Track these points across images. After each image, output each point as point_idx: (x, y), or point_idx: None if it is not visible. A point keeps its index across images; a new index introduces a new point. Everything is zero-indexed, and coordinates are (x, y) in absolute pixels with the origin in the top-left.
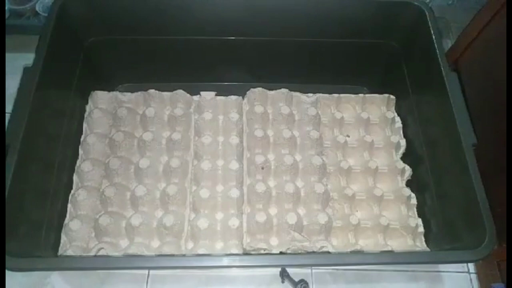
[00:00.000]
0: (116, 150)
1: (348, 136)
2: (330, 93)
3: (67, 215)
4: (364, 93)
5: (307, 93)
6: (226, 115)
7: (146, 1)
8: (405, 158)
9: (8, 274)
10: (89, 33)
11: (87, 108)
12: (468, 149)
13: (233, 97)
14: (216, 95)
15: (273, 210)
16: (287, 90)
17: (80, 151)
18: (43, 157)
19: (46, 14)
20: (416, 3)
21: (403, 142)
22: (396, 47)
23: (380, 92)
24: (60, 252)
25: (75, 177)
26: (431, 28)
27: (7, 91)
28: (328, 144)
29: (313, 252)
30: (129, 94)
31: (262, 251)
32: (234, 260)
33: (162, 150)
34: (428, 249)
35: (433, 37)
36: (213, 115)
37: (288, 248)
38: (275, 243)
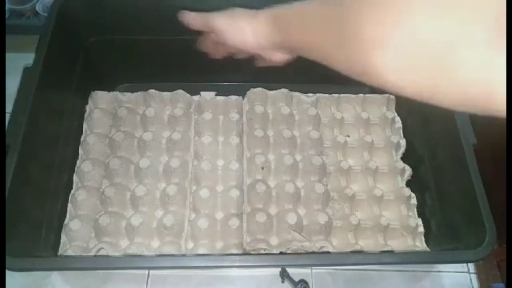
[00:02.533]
0: (116, 150)
1: (348, 136)
2: (330, 93)
3: (67, 215)
4: (364, 93)
5: (307, 93)
6: (226, 115)
7: (146, 1)
8: (405, 158)
9: (8, 274)
10: (89, 33)
11: (87, 108)
12: (468, 149)
13: (233, 97)
14: (216, 95)
15: (273, 210)
16: (287, 90)
17: (80, 151)
18: (43, 157)
19: (46, 14)
20: None
21: (403, 142)
22: None
23: (380, 92)
24: (60, 252)
25: (75, 177)
26: None
27: (7, 91)
28: (328, 144)
29: (313, 252)
30: (129, 94)
31: (262, 251)
32: (234, 260)
33: (162, 150)
34: (428, 249)
35: None
36: (213, 115)
37: (288, 248)
38: (275, 243)
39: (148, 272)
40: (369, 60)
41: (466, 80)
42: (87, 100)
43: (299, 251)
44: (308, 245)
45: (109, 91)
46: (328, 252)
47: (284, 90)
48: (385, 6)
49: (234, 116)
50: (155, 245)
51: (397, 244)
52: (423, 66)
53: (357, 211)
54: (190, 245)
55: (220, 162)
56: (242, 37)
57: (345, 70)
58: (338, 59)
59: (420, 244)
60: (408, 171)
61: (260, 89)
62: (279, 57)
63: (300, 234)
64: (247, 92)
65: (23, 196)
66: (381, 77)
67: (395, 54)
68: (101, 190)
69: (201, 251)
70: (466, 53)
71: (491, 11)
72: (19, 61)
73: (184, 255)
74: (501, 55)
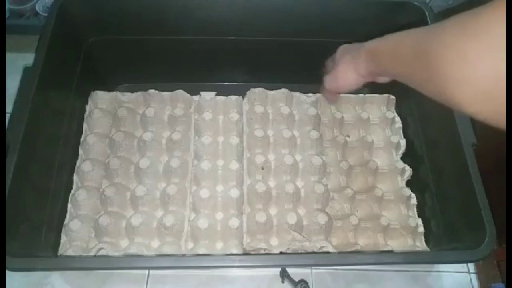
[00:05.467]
0: (116, 150)
1: (348, 136)
2: None
3: (67, 215)
4: (364, 93)
5: (307, 93)
6: (226, 115)
7: (146, 1)
8: (405, 158)
9: (8, 274)
10: (89, 33)
11: (87, 108)
12: (468, 149)
13: (233, 97)
14: (216, 95)
15: (273, 210)
16: (287, 90)
17: (80, 151)
18: (43, 157)
19: (46, 14)
20: (416, 3)
21: (403, 142)
22: None
23: (380, 92)
24: (60, 252)
25: (75, 177)
26: None
27: (7, 91)
28: (328, 144)
29: (313, 252)
30: (129, 94)
31: (262, 251)
32: (234, 260)
33: (162, 150)
34: (428, 249)
35: None
36: (213, 115)
37: (288, 248)
38: (275, 243)
39: (148, 272)
40: (451, 95)
41: None
42: (87, 100)
43: (299, 251)
44: (308, 245)
45: (109, 91)
46: (328, 252)
47: (284, 90)
48: (468, 41)
49: (234, 116)
50: (155, 245)
51: (397, 244)
52: (499, 98)
53: (357, 211)
54: (190, 245)
55: (220, 162)
56: (347, 80)
57: (432, 97)
58: (426, 89)
59: (420, 244)
60: (408, 171)
61: (260, 89)
62: (381, 79)
63: (300, 234)
64: (247, 92)
65: (23, 196)
66: (462, 108)
67: (475, 92)
68: (101, 190)
69: (201, 251)
70: None
71: None
72: (19, 61)
73: (184, 255)
74: None
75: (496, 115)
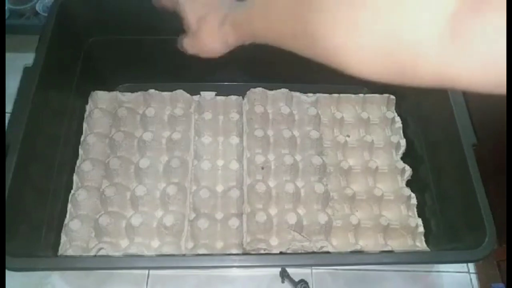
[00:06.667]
0: (116, 150)
1: (348, 136)
2: (330, 93)
3: (67, 215)
4: (364, 93)
5: (307, 93)
6: (226, 115)
7: (146, 1)
8: (405, 158)
9: (8, 274)
10: (89, 33)
11: (87, 108)
12: (468, 149)
13: (233, 97)
14: (216, 95)
15: (273, 210)
16: (287, 90)
17: (80, 151)
18: (43, 157)
19: (46, 14)
20: None
21: (403, 142)
22: None
23: (380, 92)
24: (60, 252)
25: (75, 177)
26: None
27: (7, 91)
28: (328, 144)
29: (313, 252)
30: (129, 94)
31: (262, 251)
32: (234, 260)
33: (162, 150)
34: (428, 249)
35: None
36: (213, 115)
37: (288, 248)
38: (275, 243)
39: (148, 272)
40: (344, 62)
41: (425, 71)
42: (87, 100)
43: (299, 251)
44: (308, 245)
45: (109, 91)
46: (328, 252)
47: (284, 90)
48: (357, 10)
49: (234, 116)
50: (155, 245)
51: (397, 244)
52: (384, 58)
53: (357, 211)
54: (190, 245)
55: (220, 162)
56: (213, 50)
57: (315, 60)
58: (311, 55)
59: (420, 244)
60: (408, 171)
61: (260, 89)
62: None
63: (300, 234)
64: (247, 92)
65: (23, 196)
66: (355, 73)
67: (368, 56)
68: (101, 190)
69: (201, 251)
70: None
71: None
72: (19, 61)
73: (184, 255)
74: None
75: (392, 76)
